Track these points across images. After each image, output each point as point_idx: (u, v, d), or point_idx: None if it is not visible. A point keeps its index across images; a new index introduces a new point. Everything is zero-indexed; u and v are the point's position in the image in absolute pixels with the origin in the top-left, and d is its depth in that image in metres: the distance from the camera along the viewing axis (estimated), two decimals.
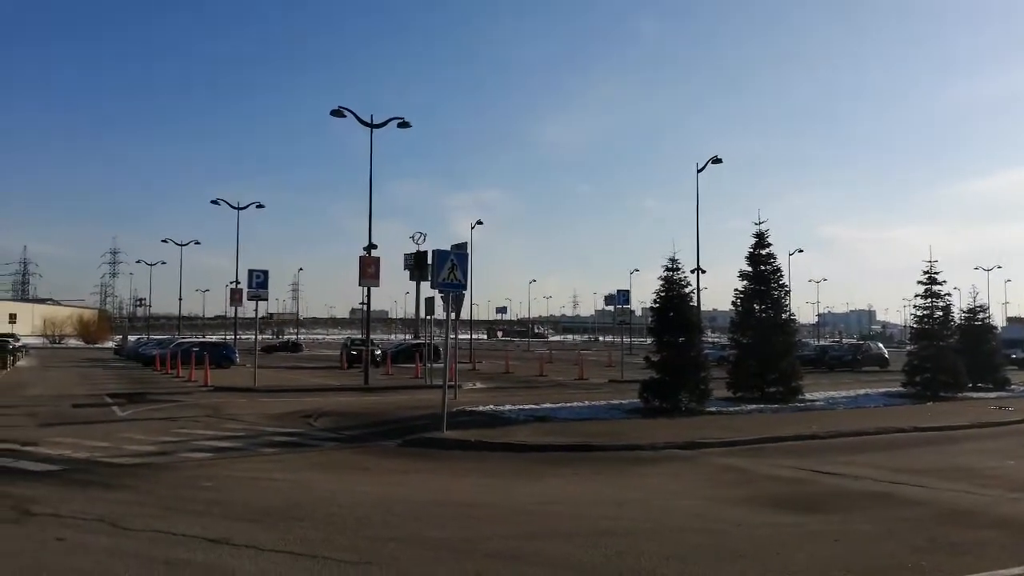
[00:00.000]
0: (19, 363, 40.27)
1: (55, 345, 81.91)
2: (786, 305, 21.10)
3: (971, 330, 25.66)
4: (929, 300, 23.03)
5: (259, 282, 25.37)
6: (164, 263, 74.67)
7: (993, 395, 22.92)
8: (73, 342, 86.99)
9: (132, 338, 69.90)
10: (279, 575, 5.63)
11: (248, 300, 27.21)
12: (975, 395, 22.50)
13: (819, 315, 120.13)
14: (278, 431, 14.45)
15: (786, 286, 21.21)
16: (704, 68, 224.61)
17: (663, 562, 6.03)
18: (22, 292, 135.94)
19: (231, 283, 47.88)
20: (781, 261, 21.38)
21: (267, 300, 27.42)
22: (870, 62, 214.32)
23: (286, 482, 9.49)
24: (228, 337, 58.09)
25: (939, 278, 23.00)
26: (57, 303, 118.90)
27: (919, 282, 23.14)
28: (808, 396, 20.42)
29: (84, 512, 7.49)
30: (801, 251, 61.20)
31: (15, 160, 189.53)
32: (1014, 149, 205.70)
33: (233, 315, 54.38)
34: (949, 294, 23.49)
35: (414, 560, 6.06)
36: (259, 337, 31.73)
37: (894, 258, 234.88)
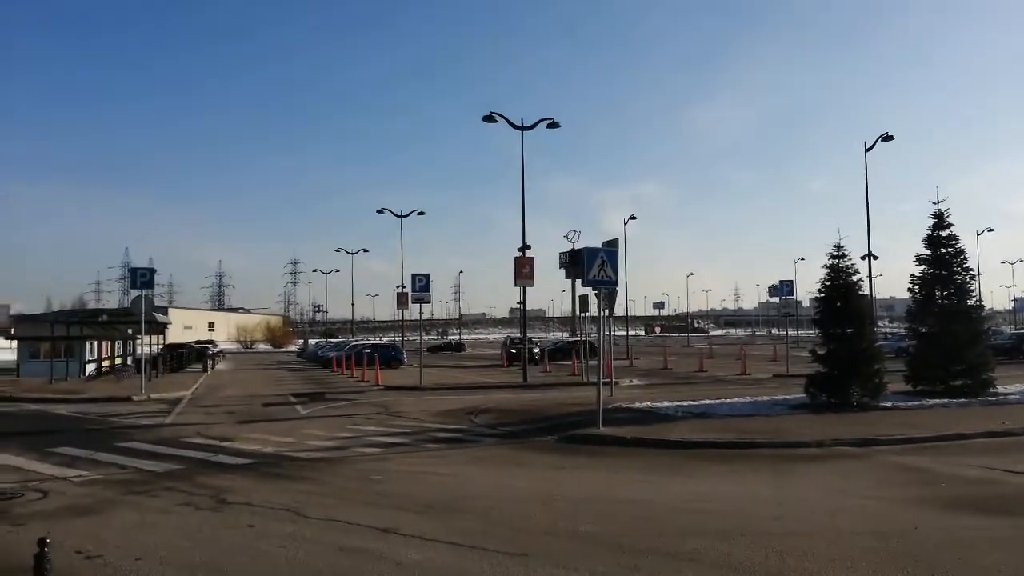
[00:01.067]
0: (218, 366, 44.62)
1: (247, 350, 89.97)
2: (972, 290, 19.31)
3: None
4: None
5: (422, 286, 26.60)
6: (338, 271, 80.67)
7: None
8: (262, 346, 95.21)
9: (312, 342, 75.55)
10: (443, 564, 5.96)
11: (413, 303, 28.67)
12: None
13: (1015, 299, 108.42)
14: (441, 427, 15.14)
15: (971, 269, 19.38)
16: (869, 33, 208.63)
17: (828, 564, 5.78)
18: (218, 302, 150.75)
19: (397, 287, 50.60)
20: (966, 242, 19.57)
21: (430, 303, 28.78)
22: None
23: (448, 476, 9.96)
24: (397, 339, 61.35)
25: None
26: (248, 311, 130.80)
27: None
28: (1001, 389, 18.55)
29: (271, 501, 8.25)
30: (991, 230, 56.70)
31: (209, 183, 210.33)
32: None
33: (400, 318, 57.27)
34: None
35: (570, 553, 6.18)
36: (424, 338, 33.27)
37: None
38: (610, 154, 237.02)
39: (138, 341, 33.92)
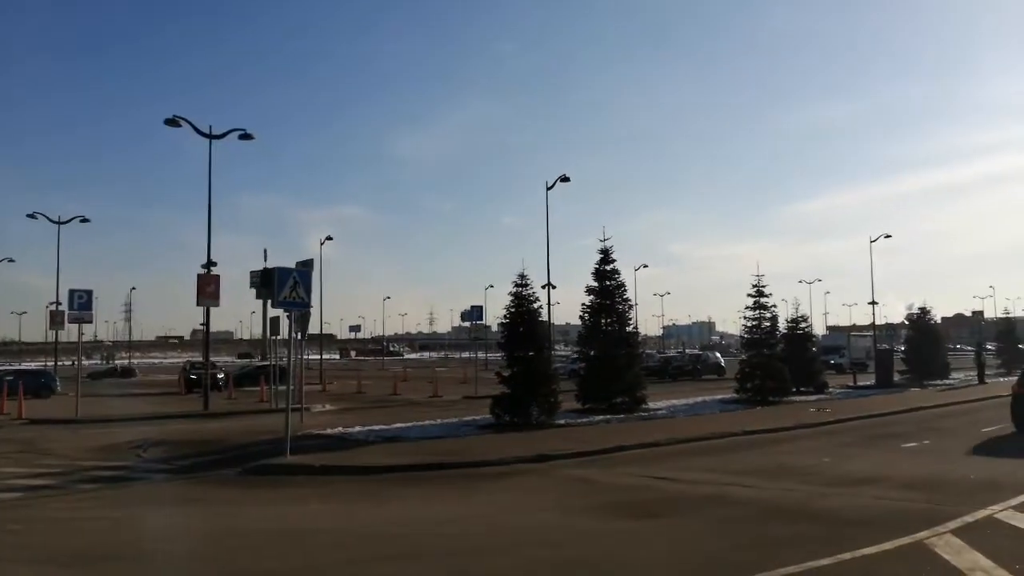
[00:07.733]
0: None
1: None
2: (630, 319, 21.96)
3: (794, 338, 27.84)
4: (757, 312, 24.82)
5: (81, 303, 23.29)
6: None
7: (814, 398, 24.94)
8: None
9: None
10: None
11: (70, 323, 24.99)
12: (798, 399, 24.41)
13: (664, 327, 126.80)
14: (101, 465, 13.27)
15: (630, 300, 22.03)
16: (559, 89, 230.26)
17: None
18: None
19: (51, 304, 43.98)
20: (627, 277, 22.25)
21: (92, 322, 25.50)
22: (720, 91, 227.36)
23: (105, 520, 8.68)
24: (48, 364, 53.27)
25: (766, 291, 24.87)
26: None
27: (748, 295, 24.92)
28: (652, 405, 21.28)
29: None
30: (646, 266, 65.11)
31: None
32: (837, 175, 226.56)
33: (55, 339, 49.89)
34: (775, 306, 25.44)
35: None
36: (86, 363, 29.24)
37: (733, 273, 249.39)
38: (316, 174, 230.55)
39: None
